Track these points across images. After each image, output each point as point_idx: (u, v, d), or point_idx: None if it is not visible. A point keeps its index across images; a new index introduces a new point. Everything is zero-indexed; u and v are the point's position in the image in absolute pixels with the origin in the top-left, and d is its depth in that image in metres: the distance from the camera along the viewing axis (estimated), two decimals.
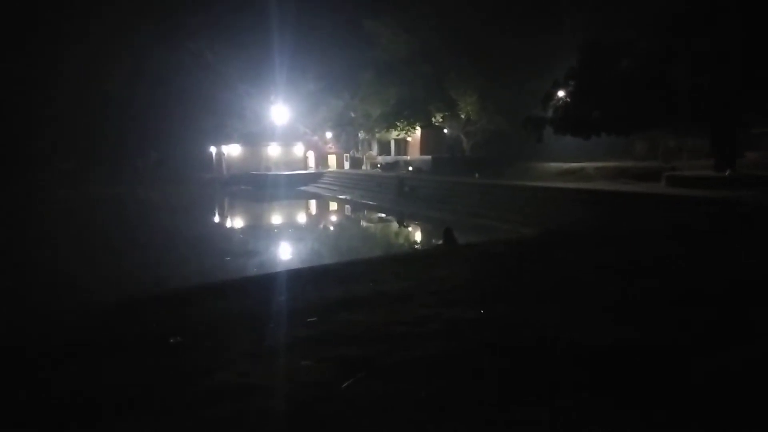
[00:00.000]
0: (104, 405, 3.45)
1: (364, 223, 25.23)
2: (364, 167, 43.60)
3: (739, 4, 13.91)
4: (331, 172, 45.05)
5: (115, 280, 12.04)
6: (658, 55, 16.09)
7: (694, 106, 15.52)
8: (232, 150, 50.54)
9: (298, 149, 50.80)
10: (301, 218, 29.01)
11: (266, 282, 7.98)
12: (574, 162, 24.59)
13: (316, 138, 49.10)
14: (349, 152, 47.50)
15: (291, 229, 23.64)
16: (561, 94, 20.13)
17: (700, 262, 7.52)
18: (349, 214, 29.26)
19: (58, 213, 30.12)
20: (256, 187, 41.74)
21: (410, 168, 35.75)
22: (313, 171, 47.08)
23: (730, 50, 13.98)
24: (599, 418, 2.94)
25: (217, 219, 30.23)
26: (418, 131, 38.19)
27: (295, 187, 40.80)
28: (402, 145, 41.85)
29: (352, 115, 40.75)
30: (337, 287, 6.69)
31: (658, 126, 19.01)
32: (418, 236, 20.21)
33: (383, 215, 26.26)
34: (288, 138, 49.42)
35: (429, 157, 36.17)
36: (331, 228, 24.86)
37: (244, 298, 6.66)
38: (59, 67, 49.42)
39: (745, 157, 18.47)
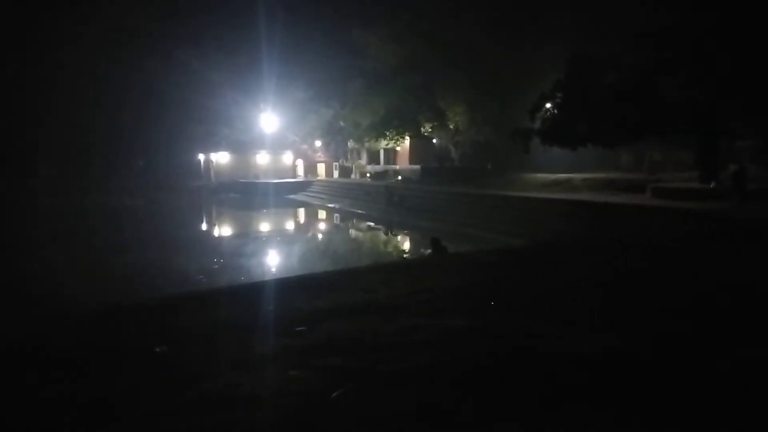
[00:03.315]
0: (85, 415, 3.37)
1: (353, 232, 25.18)
2: (353, 176, 43.61)
3: (722, 21, 14.20)
4: (320, 180, 44.99)
5: (99, 287, 11.86)
6: (643, 69, 16.35)
7: (679, 118, 15.77)
8: (221, 158, 50.29)
9: (287, 157, 50.69)
10: (290, 226, 28.89)
11: (254, 291, 7.90)
12: (561, 173, 24.83)
13: (305, 146, 49.07)
14: (338, 161, 47.50)
15: (279, 237, 23.52)
16: (548, 105, 20.37)
17: (682, 272, 7.60)
18: (338, 222, 29.20)
19: (43, 220, 29.65)
20: (244, 195, 41.54)
21: (399, 177, 35.83)
22: (302, 179, 46.99)
23: (714, 64, 14.24)
24: (591, 425, 2.94)
25: (204, 227, 29.99)
26: (407, 141, 38.36)
27: (284, 195, 40.65)
28: (391, 155, 41.97)
29: (342, 124, 40.82)
30: (326, 296, 6.63)
31: (644, 138, 19.30)
32: (407, 245, 20.20)
33: (372, 224, 26.23)
34: (277, 146, 49.31)
35: (418, 166, 36.32)
36: (320, 236, 24.78)
37: (232, 306, 6.58)
38: (47, 74, 48.99)
39: (729, 170, 18.77)
